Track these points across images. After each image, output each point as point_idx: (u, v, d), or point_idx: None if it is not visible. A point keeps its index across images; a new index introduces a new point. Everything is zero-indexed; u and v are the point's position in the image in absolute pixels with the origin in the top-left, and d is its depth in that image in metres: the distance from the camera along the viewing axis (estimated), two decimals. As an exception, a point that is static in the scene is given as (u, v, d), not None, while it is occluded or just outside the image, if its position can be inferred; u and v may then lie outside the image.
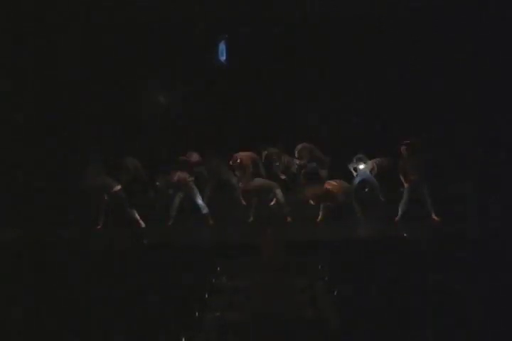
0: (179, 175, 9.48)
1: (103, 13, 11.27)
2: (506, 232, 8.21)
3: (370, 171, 10.85)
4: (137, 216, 9.40)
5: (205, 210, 9.56)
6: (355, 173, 11.08)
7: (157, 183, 9.94)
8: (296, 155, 11.27)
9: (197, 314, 5.79)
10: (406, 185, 9.31)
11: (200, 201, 9.55)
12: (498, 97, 10.95)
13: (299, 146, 11.27)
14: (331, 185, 9.31)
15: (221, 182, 10.66)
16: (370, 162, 10.93)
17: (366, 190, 11.34)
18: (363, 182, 10.98)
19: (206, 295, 6.35)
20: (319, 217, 9.50)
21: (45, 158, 10.76)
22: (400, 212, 9.37)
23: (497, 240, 7.72)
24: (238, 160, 10.62)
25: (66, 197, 10.24)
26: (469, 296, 5.76)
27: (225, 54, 12.59)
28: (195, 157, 10.89)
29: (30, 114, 10.95)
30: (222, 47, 12.58)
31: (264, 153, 11.45)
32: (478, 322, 5.13)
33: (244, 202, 10.55)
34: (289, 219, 9.58)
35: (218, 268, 7.27)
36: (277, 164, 11.31)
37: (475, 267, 6.51)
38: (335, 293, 6.22)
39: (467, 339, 4.99)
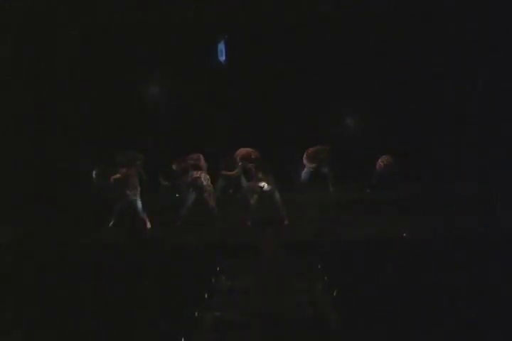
0: (197, 175, 9.47)
1: (102, 13, 11.29)
2: (506, 231, 8.23)
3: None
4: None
5: (214, 212, 9.58)
6: None
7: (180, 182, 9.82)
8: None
9: (196, 314, 5.78)
10: None
11: (213, 203, 9.56)
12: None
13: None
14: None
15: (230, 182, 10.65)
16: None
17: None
18: None
19: (206, 295, 6.35)
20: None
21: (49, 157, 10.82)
22: None
23: (498, 239, 7.74)
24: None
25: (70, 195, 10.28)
26: (469, 296, 5.77)
27: (224, 54, 12.57)
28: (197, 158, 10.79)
29: (31, 114, 10.98)
30: (221, 47, 12.57)
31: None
32: (478, 322, 5.13)
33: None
34: (286, 220, 9.54)
35: (218, 268, 7.26)
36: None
37: (475, 266, 6.52)
38: (334, 294, 6.22)
39: (467, 339, 5.00)
